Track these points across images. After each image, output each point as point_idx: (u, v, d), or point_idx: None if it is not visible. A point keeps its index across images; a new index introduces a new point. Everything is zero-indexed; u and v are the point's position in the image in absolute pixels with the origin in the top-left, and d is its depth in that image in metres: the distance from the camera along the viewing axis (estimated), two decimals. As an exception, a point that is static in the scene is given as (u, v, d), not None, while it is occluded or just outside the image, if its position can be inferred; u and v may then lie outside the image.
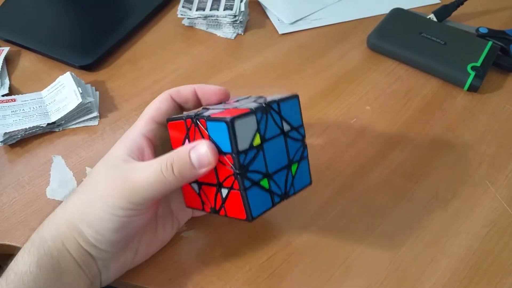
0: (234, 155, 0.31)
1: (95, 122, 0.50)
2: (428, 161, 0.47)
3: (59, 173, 0.46)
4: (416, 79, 0.56)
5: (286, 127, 0.35)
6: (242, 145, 0.32)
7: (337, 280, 0.38)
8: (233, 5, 0.61)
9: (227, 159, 0.32)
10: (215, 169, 0.33)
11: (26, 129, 0.47)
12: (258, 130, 0.33)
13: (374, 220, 0.42)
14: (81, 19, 0.63)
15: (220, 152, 0.32)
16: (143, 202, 0.33)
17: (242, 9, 0.61)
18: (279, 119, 0.35)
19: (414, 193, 0.44)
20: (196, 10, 0.61)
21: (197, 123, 0.33)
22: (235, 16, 0.60)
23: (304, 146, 0.37)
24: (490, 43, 0.57)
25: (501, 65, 0.57)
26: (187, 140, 0.35)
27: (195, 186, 0.36)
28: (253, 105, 0.33)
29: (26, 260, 0.32)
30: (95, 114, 0.50)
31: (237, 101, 0.38)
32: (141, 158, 0.35)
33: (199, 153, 0.32)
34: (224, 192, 0.34)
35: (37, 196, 0.44)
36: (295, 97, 0.36)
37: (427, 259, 0.40)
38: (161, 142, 0.37)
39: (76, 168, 0.46)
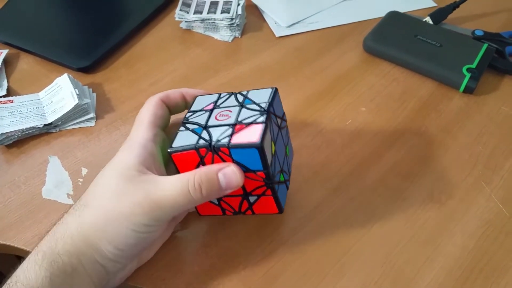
0: (265, 171, 0.34)
1: (91, 123, 0.50)
2: (424, 161, 0.47)
3: (55, 174, 0.46)
4: (411, 81, 0.56)
5: (279, 121, 0.38)
6: (269, 158, 0.34)
7: (332, 279, 0.38)
8: (230, 8, 0.61)
9: (257, 175, 0.34)
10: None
11: (23, 129, 0.48)
12: (272, 139, 0.35)
13: (369, 219, 0.42)
14: (79, 22, 0.63)
15: (247, 170, 0.34)
16: (167, 218, 0.34)
17: (239, 12, 0.61)
18: (275, 118, 0.37)
19: (409, 193, 0.44)
20: (194, 13, 0.62)
21: (218, 151, 0.33)
22: (232, 19, 0.61)
23: (287, 127, 0.41)
24: (485, 45, 0.57)
25: (497, 67, 0.57)
26: (200, 166, 0.35)
27: (214, 200, 0.37)
28: (257, 113, 0.34)
29: (38, 274, 0.31)
30: (92, 115, 0.50)
31: (216, 103, 0.38)
32: (153, 166, 0.35)
33: (228, 176, 0.33)
34: (253, 198, 0.36)
35: (33, 196, 0.44)
36: (275, 90, 0.38)
37: (422, 258, 0.40)
38: (163, 147, 0.38)
39: (72, 168, 0.46)
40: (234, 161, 0.33)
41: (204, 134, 0.34)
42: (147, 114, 0.38)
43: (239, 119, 0.35)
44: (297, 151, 0.46)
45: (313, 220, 0.42)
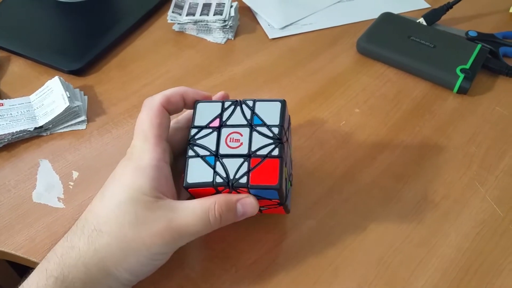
0: (282, 200, 0.35)
1: (82, 126, 0.50)
2: (418, 162, 0.47)
3: (46, 177, 0.45)
4: (405, 82, 0.56)
5: (288, 134, 0.38)
6: (285, 190, 0.35)
7: (325, 281, 0.38)
8: (223, 10, 0.61)
9: (273, 201, 0.36)
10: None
11: (13, 133, 0.47)
12: (285, 165, 0.36)
13: (363, 221, 0.42)
14: (71, 24, 0.63)
15: (265, 198, 0.35)
16: (183, 244, 0.34)
17: (232, 14, 0.61)
18: (285, 136, 0.37)
19: (403, 194, 0.44)
20: (186, 15, 0.62)
21: (237, 190, 0.34)
22: (225, 21, 0.60)
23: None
24: (479, 46, 0.57)
25: (490, 67, 0.57)
26: (241, 196, 0.36)
27: None
28: (269, 145, 0.34)
29: None
30: (83, 118, 0.50)
31: (222, 118, 0.37)
32: (167, 188, 0.34)
33: (246, 206, 0.35)
34: (265, 209, 0.38)
35: (23, 200, 0.43)
36: (284, 104, 0.36)
37: (417, 260, 0.39)
38: (169, 159, 0.36)
39: (63, 172, 0.46)
40: (250, 193, 0.35)
41: (219, 168, 0.34)
42: (150, 125, 0.35)
43: (253, 149, 0.34)
44: (292, 152, 0.46)
45: (306, 222, 0.42)
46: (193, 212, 0.33)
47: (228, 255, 0.39)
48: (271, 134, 0.35)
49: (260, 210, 0.37)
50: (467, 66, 0.54)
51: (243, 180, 0.33)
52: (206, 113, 0.37)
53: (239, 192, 0.35)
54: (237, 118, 0.36)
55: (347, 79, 0.56)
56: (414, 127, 0.50)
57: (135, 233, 0.32)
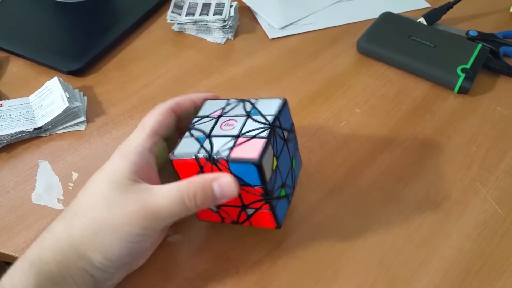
0: (263, 186, 0.33)
1: (82, 127, 0.50)
2: (419, 163, 0.47)
3: (45, 178, 0.45)
4: (406, 82, 0.56)
5: (286, 134, 0.37)
6: (268, 175, 0.33)
7: (326, 282, 0.38)
8: (222, 10, 0.61)
9: (255, 190, 0.34)
10: (240, 196, 0.35)
11: (12, 134, 0.47)
12: (274, 154, 0.34)
13: (364, 222, 0.42)
14: (70, 25, 0.63)
15: (246, 184, 0.34)
16: (161, 227, 0.34)
17: (232, 14, 0.61)
18: (281, 131, 0.36)
19: (404, 195, 0.44)
20: (186, 15, 0.61)
21: (217, 162, 0.33)
22: (224, 21, 0.60)
23: (296, 138, 0.39)
24: (479, 46, 0.57)
25: (491, 67, 0.57)
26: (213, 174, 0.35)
27: (213, 207, 0.37)
28: (258, 127, 0.34)
29: (25, 284, 0.30)
30: (82, 118, 0.50)
31: (224, 110, 0.38)
32: (147, 175, 0.34)
33: (223, 186, 0.33)
34: (250, 211, 0.36)
35: (23, 202, 0.43)
36: (285, 102, 0.37)
37: (418, 261, 0.39)
38: (160, 155, 0.37)
39: (63, 173, 0.45)
40: (232, 174, 0.33)
41: (206, 144, 0.34)
42: (151, 120, 0.36)
43: (243, 131, 0.34)
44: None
45: (307, 223, 0.41)
46: (168, 194, 0.32)
47: (229, 256, 0.39)
48: (263, 121, 0.35)
49: (249, 219, 0.36)
50: (468, 66, 0.54)
51: (225, 153, 0.33)
52: (211, 107, 0.38)
53: (220, 170, 0.33)
54: (238, 110, 0.37)
55: (348, 79, 0.56)
56: (414, 127, 0.50)
57: (109, 215, 0.32)
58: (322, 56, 0.59)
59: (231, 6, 0.61)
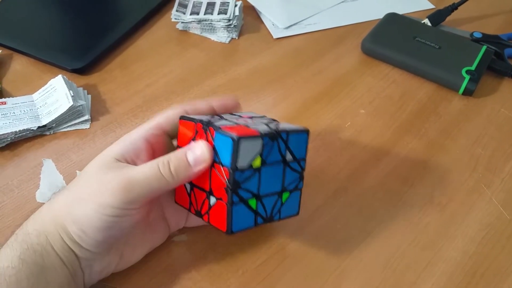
0: (231, 171, 0.32)
1: (86, 126, 0.49)
2: (423, 164, 0.47)
3: (49, 177, 0.45)
4: (410, 83, 0.56)
5: (289, 157, 0.36)
6: (242, 163, 0.32)
7: (332, 285, 0.38)
8: (227, 9, 0.61)
9: (223, 171, 0.33)
10: (210, 176, 0.34)
11: (16, 132, 0.47)
12: (260, 154, 0.33)
13: (369, 224, 0.42)
14: (74, 23, 0.62)
15: (219, 162, 0.33)
16: (137, 200, 0.32)
17: (237, 13, 0.61)
18: (284, 148, 0.35)
19: (409, 196, 0.44)
20: (190, 14, 0.61)
21: (207, 130, 0.34)
22: (229, 20, 0.60)
23: (301, 178, 0.37)
24: (484, 47, 0.57)
25: (496, 69, 0.57)
26: (192, 142, 0.35)
27: (187, 185, 0.36)
28: (264, 129, 0.34)
29: (8, 255, 0.31)
30: (87, 117, 0.50)
31: (251, 117, 0.38)
32: (135, 161, 0.35)
33: (195, 153, 0.33)
34: (212, 200, 0.34)
35: (27, 200, 0.43)
36: (306, 131, 0.37)
37: (423, 263, 0.39)
38: (164, 151, 0.36)
39: (67, 171, 0.45)
40: (214, 147, 0.33)
41: (212, 119, 0.36)
42: (161, 116, 0.37)
43: (248, 124, 0.35)
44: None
45: (312, 224, 0.41)
46: (143, 165, 0.33)
47: (234, 257, 0.39)
48: (272, 127, 0.35)
49: (208, 212, 0.35)
50: (473, 68, 0.54)
51: (217, 123, 0.34)
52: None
53: (207, 139, 0.34)
54: (260, 120, 0.38)
55: (352, 79, 0.56)
56: (419, 128, 0.50)
57: (87, 188, 0.33)
58: (327, 57, 0.59)
59: (235, 6, 0.61)
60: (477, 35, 0.61)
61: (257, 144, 0.33)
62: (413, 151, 0.48)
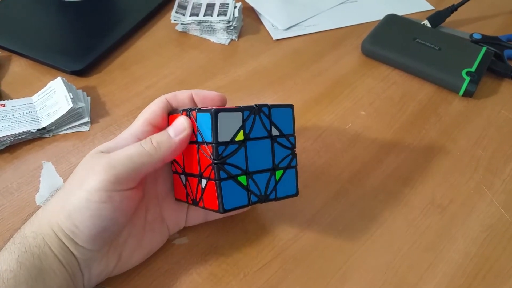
0: (213, 145, 0.33)
1: (86, 128, 0.49)
2: (424, 166, 0.47)
3: (49, 180, 0.45)
4: (411, 84, 0.56)
5: (275, 132, 0.36)
6: (223, 137, 0.33)
7: (334, 287, 0.37)
8: (227, 11, 0.61)
9: (207, 149, 0.33)
10: (198, 159, 0.35)
11: (15, 134, 0.46)
12: (243, 127, 0.34)
13: (370, 225, 0.42)
14: (73, 24, 0.62)
15: (203, 141, 0.34)
16: (121, 178, 0.32)
17: (236, 15, 0.61)
18: (269, 123, 0.35)
19: (410, 198, 0.44)
20: (190, 15, 0.61)
21: (190, 114, 0.35)
22: (229, 22, 0.60)
23: (293, 156, 0.37)
24: (484, 49, 0.57)
25: (496, 70, 0.57)
26: None
27: (182, 177, 0.37)
28: (245, 106, 0.35)
29: (7, 258, 0.31)
30: (86, 119, 0.49)
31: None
32: None
33: (174, 125, 0.35)
34: (204, 182, 0.35)
35: (26, 203, 0.43)
36: (289, 106, 0.37)
37: (425, 265, 0.39)
38: None
39: (67, 174, 0.45)
40: (198, 129, 0.34)
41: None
42: (146, 111, 0.37)
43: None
44: (297, 155, 0.46)
45: (314, 227, 0.41)
46: (127, 147, 0.34)
47: (236, 260, 0.39)
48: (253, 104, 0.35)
49: (202, 197, 0.35)
50: (473, 69, 0.54)
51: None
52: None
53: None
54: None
55: (352, 81, 0.56)
56: (420, 130, 0.50)
57: (74, 180, 0.33)
58: (327, 58, 0.59)
59: (235, 7, 0.61)
60: (477, 36, 0.61)
61: (237, 117, 0.34)
62: (414, 153, 0.48)
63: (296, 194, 0.37)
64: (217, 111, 0.32)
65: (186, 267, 0.38)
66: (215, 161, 0.33)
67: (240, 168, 0.34)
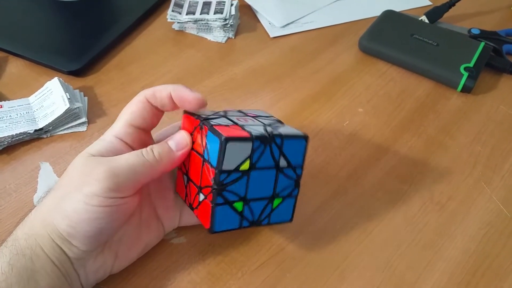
0: (216, 171, 0.32)
1: (83, 128, 0.49)
2: (423, 163, 0.46)
3: (47, 180, 0.45)
4: (409, 80, 0.55)
5: (283, 163, 0.35)
6: (228, 165, 0.32)
7: (332, 286, 0.37)
8: (223, 9, 0.60)
9: (210, 171, 0.33)
10: (201, 173, 0.34)
11: (13, 135, 0.46)
12: (250, 157, 0.33)
13: (369, 223, 0.41)
14: (69, 24, 0.62)
15: (208, 161, 0.33)
16: (122, 187, 0.32)
17: (233, 12, 0.60)
18: (278, 153, 0.34)
19: (408, 195, 0.44)
20: (186, 14, 0.61)
21: (202, 127, 0.34)
22: (225, 20, 0.60)
23: (296, 186, 0.36)
24: (482, 44, 0.56)
25: (494, 65, 0.56)
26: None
27: (185, 178, 0.37)
28: (258, 131, 0.33)
29: None
30: (83, 119, 0.49)
31: (256, 116, 0.38)
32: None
33: (175, 138, 0.35)
34: (201, 197, 0.34)
35: (24, 204, 0.43)
36: (304, 138, 0.35)
37: (423, 263, 0.39)
38: (140, 145, 0.36)
39: (64, 175, 0.45)
40: (206, 146, 0.34)
41: (209, 116, 0.36)
42: (125, 112, 0.37)
43: (248, 124, 0.35)
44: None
45: (312, 225, 0.41)
46: (126, 153, 0.34)
47: (234, 259, 0.39)
48: (267, 130, 0.34)
49: (198, 207, 0.35)
50: (471, 65, 0.54)
51: (212, 122, 0.34)
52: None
53: (201, 136, 0.34)
54: (261, 120, 0.38)
55: (350, 78, 0.56)
56: (418, 127, 0.50)
57: (69, 180, 0.33)
58: (324, 55, 0.59)
59: (231, 5, 0.61)
60: (475, 31, 0.61)
61: (247, 147, 0.32)
62: (412, 150, 0.48)
63: (290, 220, 0.37)
64: (227, 140, 0.31)
65: (184, 267, 0.38)
66: (215, 187, 0.32)
67: (239, 195, 0.34)
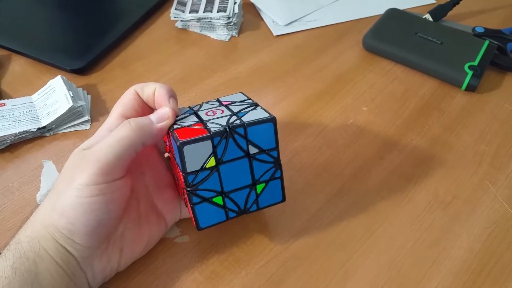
0: (183, 174, 0.33)
1: (86, 126, 0.49)
2: (427, 161, 0.46)
3: (50, 179, 0.44)
4: (413, 79, 0.55)
5: (253, 150, 0.35)
6: (192, 167, 0.33)
7: (336, 285, 0.37)
8: (226, 7, 0.60)
9: (181, 174, 0.33)
10: (178, 176, 0.35)
11: (16, 134, 0.46)
12: (214, 154, 0.33)
13: (373, 222, 0.41)
14: (73, 23, 0.62)
15: (178, 165, 0.34)
16: (107, 169, 0.32)
17: (236, 11, 0.60)
18: (245, 142, 0.34)
19: (413, 194, 0.43)
20: (190, 12, 0.61)
21: (169, 133, 0.35)
22: (229, 18, 0.60)
23: (277, 167, 0.36)
24: (487, 42, 0.56)
25: (499, 64, 0.56)
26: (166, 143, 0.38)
27: (176, 178, 0.38)
28: (220, 125, 0.34)
29: (1, 265, 0.31)
30: (87, 118, 0.49)
31: (230, 103, 0.38)
32: None
33: (158, 112, 0.36)
34: (186, 196, 0.35)
35: (27, 202, 0.42)
36: (270, 120, 0.34)
37: (428, 262, 0.39)
38: None
39: (67, 173, 0.45)
40: (174, 151, 0.34)
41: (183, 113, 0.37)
42: (118, 105, 0.38)
43: (209, 119, 0.35)
44: (299, 153, 0.45)
45: (316, 224, 0.41)
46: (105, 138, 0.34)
47: (237, 258, 0.38)
48: (227, 120, 0.34)
49: (187, 206, 0.36)
50: (475, 63, 0.54)
51: (176, 126, 0.35)
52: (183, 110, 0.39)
53: (169, 139, 0.35)
54: (230, 108, 0.37)
55: (354, 76, 0.56)
56: (422, 125, 0.50)
57: (63, 179, 0.33)
58: (328, 53, 0.59)
59: (235, 3, 0.61)
60: (479, 29, 0.60)
61: (207, 145, 0.33)
62: (417, 148, 0.47)
63: (283, 200, 0.37)
64: (183, 144, 0.32)
65: (187, 266, 0.38)
66: (187, 189, 0.33)
67: (215, 190, 0.34)
